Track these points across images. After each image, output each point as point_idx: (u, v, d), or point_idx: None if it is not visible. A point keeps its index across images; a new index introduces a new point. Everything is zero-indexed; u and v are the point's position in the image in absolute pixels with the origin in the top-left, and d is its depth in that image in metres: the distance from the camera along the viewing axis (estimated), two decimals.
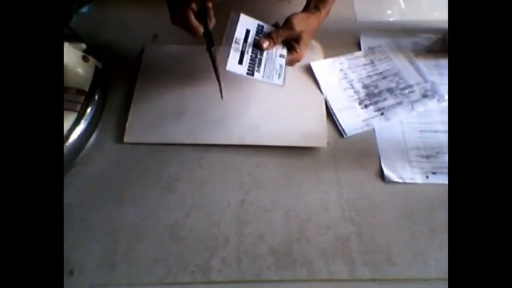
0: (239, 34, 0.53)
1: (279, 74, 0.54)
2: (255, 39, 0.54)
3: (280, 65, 0.54)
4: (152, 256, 0.48)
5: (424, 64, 0.64)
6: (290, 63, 0.57)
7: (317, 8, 0.56)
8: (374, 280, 0.47)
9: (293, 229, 0.50)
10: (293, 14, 0.55)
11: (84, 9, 0.70)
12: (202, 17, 0.51)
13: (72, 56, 0.56)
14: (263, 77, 0.53)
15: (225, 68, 0.50)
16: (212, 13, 0.53)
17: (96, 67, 0.59)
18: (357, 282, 0.47)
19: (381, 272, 0.47)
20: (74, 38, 0.61)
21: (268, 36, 0.54)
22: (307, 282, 0.47)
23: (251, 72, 0.52)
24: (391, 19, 0.71)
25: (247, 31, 0.54)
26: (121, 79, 0.63)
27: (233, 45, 0.52)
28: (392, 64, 0.64)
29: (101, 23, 0.69)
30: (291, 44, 0.56)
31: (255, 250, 0.48)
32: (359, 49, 0.66)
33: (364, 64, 0.64)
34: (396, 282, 0.47)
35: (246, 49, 0.53)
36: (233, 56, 0.52)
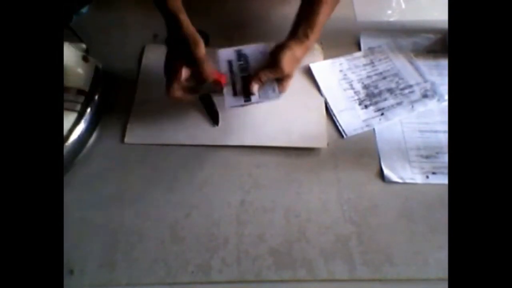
0: (223, 68, 0.54)
1: (273, 89, 0.53)
2: (240, 65, 0.54)
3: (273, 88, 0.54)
4: (152, 256, 0.48)
5: (424, 64, 0.64)
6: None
7: (306, 36, 0.53)
8: (374, 280, 0.47)
9: (293, 229, 0.50)
10: (282, 53, 0.51)
11: (84, 9, 0.70)
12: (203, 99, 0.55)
13: (72, 56, 0.56)
14: (260, 97, 0.53)
15: (225, 107, 0.53)
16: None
17: (96, 67, 0.59)
18: (357, 282, 0.47)
19: (381, 272, 0.47)
20: (74, 38, 0.61)
21: (257, 78, 0.52)
22: (307, 282, 0.47)
23: (248, 99, 0.53)
24: (391, 19, 0.71)
25: (229, 62, 0.55)
26: (121, 79, 0.63)
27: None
28: (392, 64, 0.64)
29: (101, 23, 0.69)
30: (277, 79, 0.53)
31: (255, 250, 0.48)
32: (359, 49, 0.66)
33: (364, 65, 0.64)
34: (396, 282, 0.47)
35: (235, 79, 0.54)
36: (227, 92, 0.53)
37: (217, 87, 0.53)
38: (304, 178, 0.54)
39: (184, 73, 0.50)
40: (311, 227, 0.50)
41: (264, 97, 0.53)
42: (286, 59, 0.51)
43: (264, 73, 0.52)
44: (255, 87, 0.52)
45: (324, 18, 0.54)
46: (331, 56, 0.65)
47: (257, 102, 0.53)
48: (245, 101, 0.53)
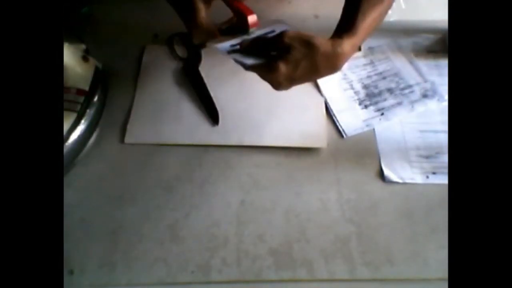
0: (260, 31, 0.50)
1: (252, 59, 0.47)
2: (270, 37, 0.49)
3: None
4: (152, 256, 0.48)
5: (424, 64, 0.64)
6: (261, 74, 0.46)
7: (339, 36, 0.43)
8: (374, 280, 0.47)
9: (293, 229, 0.50)
10: (299, 31, 0.44)
11: (84, 9, 0.70)
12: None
13: (72, 56, 0.56)
14: (239, 56, 0.47)
15: (215, 46, 0.48)
16: None
17: (96, 67, 0.59)
18: (357, 282, 0.47)
19: (381, 272, 0.47)
20: (74, 38, 0.61)
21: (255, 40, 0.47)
22: (307, 282, 0.47)
23: (233, 51, 0.48)
24: (391, 19, 0.71)
25: (272, 31, 0.50)
26: (121, 79, 0.63)
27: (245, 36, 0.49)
28: (392, 64, 0.64)
29: (101, 23, 0.69)
30: (278, 55, 0.44)
31: (255, 250, 0.48)
32: (359, 49, 0.66)
33: (364, 65, 0.64)
34: (396, 282, 0.47)
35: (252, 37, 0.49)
36: (231, 42, 0.49)
37: (242, 21, 0.47)
38: (304, 178, 0.54)
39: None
40: (311, 227, 0.50)
41: (239, 58, 0.47)
42: (293, 32, 0.43)
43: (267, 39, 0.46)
44: (245, 43, 0.47)
45: (371, 19, 0.46)
46: None
47: (232, 58, 0.47)
48: (228, 52, 0.48)
